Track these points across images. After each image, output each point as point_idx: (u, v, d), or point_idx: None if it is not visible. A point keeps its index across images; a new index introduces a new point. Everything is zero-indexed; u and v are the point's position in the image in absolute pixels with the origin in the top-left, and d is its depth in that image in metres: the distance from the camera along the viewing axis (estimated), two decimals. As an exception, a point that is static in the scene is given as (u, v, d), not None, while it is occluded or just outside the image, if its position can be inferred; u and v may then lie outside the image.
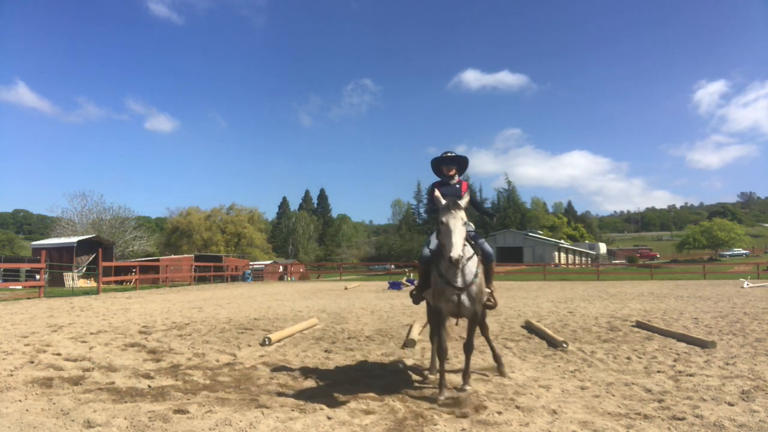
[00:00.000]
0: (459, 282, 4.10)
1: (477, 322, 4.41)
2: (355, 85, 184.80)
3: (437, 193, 4.19)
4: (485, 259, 4.52)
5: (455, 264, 3.75)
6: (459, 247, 3.76)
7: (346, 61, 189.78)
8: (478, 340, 7.15)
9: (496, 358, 5.19)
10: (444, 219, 3.90)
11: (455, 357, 5.97)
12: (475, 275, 4.17)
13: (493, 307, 4.75)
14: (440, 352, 4.30)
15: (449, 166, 4.89)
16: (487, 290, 4.57)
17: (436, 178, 5.02)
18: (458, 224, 3.85)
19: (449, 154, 4.89)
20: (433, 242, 4.55)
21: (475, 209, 5.09)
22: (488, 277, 4.61)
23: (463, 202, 4.03)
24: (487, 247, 4.69)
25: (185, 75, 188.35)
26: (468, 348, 4.39)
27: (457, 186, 4.85)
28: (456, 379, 4.73)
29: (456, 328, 7.38)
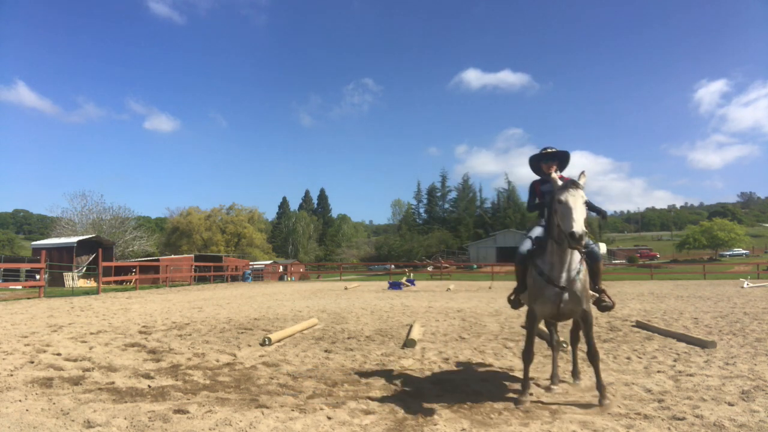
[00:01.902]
0: (563, 279, 3.81)
1: (591, 321, 4.00)
2: (355, 85, 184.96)
3: (555, 174, 3.91)
4: (591, 258, 4.19)
5: (578, 241, 3.40)
6: (581, 223, 3.45)
7: (346, 61, 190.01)
8: (479, 340, 7.17)
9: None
10: (562, 197, 3.60)
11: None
12: (578, 271, 3.86)
13: (610, 307, 4.37)
14: (528, 355, 4.12)
15: (549, 163, 4.59)
16: (598, 290, 4.32)
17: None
18: (579, 202, 3.57)
19: (549, 150, 4.60)
20: (528, 241, 4.32)
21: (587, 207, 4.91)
22: (596, 275, 4.30)
23: (582, 181, 3.74)
24: (592, 243, 4.31)
25: (186, 75, 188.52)
26: (593, 355, 3.99)
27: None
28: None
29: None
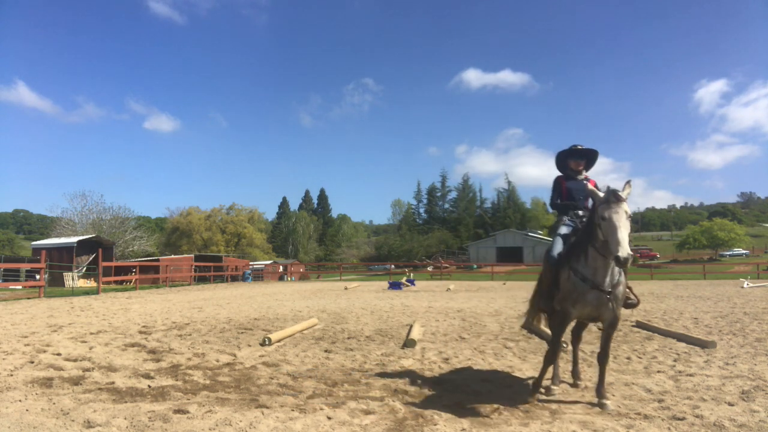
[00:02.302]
0: (606, 283, 3.73)
1: (617, 326, 4.00)
2: (356, 85, 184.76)
3: (590, 186, 3.79)
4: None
5: (624, 264, 3.35)
6: (627, 244, 3.37)
7: (346, 61, 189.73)
8: (479, 340, 7.17)
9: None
10: (606, 214, 3.49)
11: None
12: (620, 273, 3.81)
13: (635, 304, 4.30)
14: (553, 356, 4.05)
15: (578, 161, 4.54)
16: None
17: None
18: (623, 218, 3.46)
19: (579, 147, 4.52)
20: (559, 241, 4.24)
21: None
22: (624, 272, 4.16)
23: (625, 193, 3.61)
24: None
25: (186, 74, 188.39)
26: (603, 357, 3.97)
27: (585, 182, 4.50)
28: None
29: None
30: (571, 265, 3.89)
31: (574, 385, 4.60)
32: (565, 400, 4.16)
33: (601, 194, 3.64)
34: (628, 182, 3.71)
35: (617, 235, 3.39)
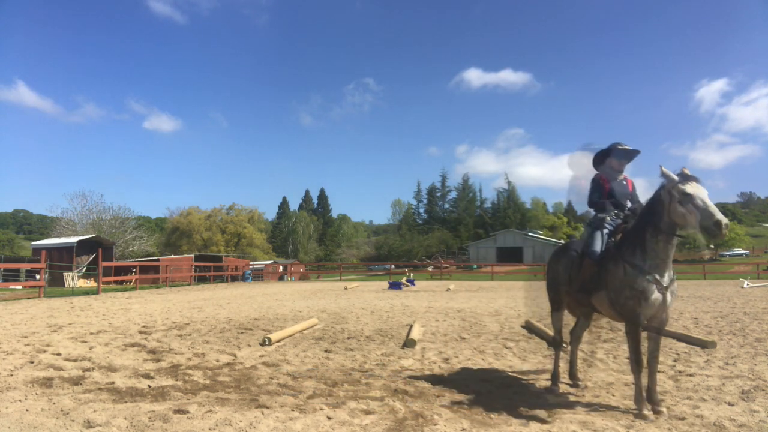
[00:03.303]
0: (666, 278, 3.65)
1: (666, 325, 3.87)
2: (356, 85, 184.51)
3: (665, 169, 3.66)
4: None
5: (722, 231, 3.30)
6: (720, 212, 3.32)
7: (347, 61, 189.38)
8: (479, 340, 7.17)
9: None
10: (687, 188, 3.47)
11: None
12: (673, 269, 3.73)
13: None
14: (639, 366, 3.75)
15: (622, 161, 4.43)
16: None
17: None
18: (705, 193, 3.46)
19: (623, 146, 4.39)
20: (604, 237, 4.14)
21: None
22: None
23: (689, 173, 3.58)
24: None
25: (186, 74, 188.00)
26: (655, 360, 3.82)
27: (624, 183, 4.45)
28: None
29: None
30: (625, 259, 3.76)
31: (574, 386, 4.59)
32: (565, 400, 4.16)
33: (674, 176, 3.60)
34: (684, 168, 3.69)
35: (708, 204, 3.39)
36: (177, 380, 4.72)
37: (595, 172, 4.59)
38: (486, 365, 5.53)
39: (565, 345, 6.46)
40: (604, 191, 4.42)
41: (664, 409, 3.69)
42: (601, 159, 4.54)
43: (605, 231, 4.19)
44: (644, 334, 3.85)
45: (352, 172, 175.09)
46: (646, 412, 3.63)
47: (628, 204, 4.44)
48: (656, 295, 3.63)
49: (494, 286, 24.08)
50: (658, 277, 3.65)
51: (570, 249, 4.54)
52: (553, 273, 4.67)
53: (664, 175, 3.68)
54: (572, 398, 4.21)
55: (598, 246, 4.10)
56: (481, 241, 78.12)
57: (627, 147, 4.40)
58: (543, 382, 4.78)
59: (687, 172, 3.62)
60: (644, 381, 3.77)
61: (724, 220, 3.33)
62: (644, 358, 3.81)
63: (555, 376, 4.58)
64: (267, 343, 6.65)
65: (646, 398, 3.76)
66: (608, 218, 4.30)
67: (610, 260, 3.90)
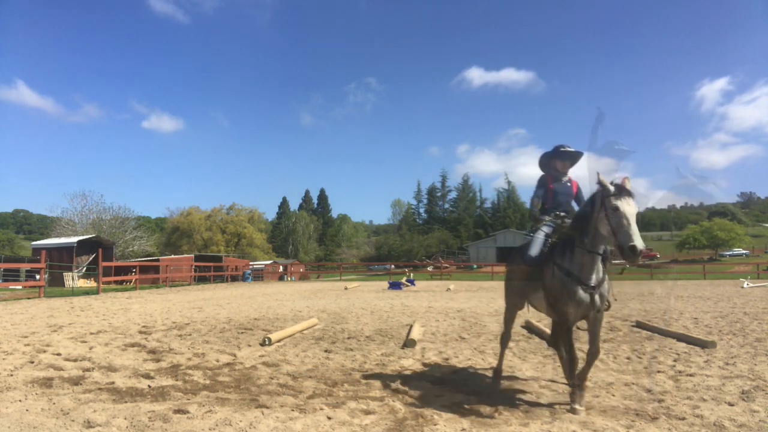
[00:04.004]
0: (593, 280, 3.75)
1: (601, 323, 3.98)
2: (358, 84, 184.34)
3: (602, 177, 3.68)
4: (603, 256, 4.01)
5: (638, 256, 3.30)
6: (639, 237, 3.32)
7: (349, 60, 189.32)
8: (479, 340, 7.17)
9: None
10: (617, 203, 3.47)
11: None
12: (605, 271, 3.83)
13: (607, 308, 4.28)
14: (572, 363, 3.93)
15: (564, 162, 4.54)
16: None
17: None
18: (634, 211, 3.45)
19: (565, 149, 4.51)
20: (542, 240, 4.24)
21: None
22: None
23: (629, 186, 3.59)
24: None
25: (187, 74, 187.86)
26: (593, 357, 3.93)
27: (568, 184, 4.55)
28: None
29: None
30: (555, 262, 3.89)
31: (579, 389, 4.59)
32: (565, 400, 4.15)
33: (611, 187, 3.58)
34: (626, 177, 3.68)
35: (632, 225, 3.38)
36: (177, 380, 4.72)
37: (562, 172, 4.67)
38: (486, 365, 5.53)
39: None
40: (548, 192, 4.54)
41: (581, 401, 3.84)
42: (546, 161, 4.64)
43: (544, 233, 4.31)
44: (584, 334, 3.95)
45: (352, 172, 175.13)
46: (577, 406, 3.77)
47: (574, 205, 4.55)
48: (582, 296, 3.74)
49: (494, 286, 24.08)
50: (585, 279, 3.74)
51: (518, 252, 4.68)
52: (508, 275, 4.88)
53: (600, 183, 3.71)
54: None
55: (534, 249, 4.21)
56: (481, 241, 78.11)
57: (570, 149, 4.51)
58: (543, 381, 4.78)
59: (627, 185, 3.62)
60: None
61: (640, 246, 3.31)
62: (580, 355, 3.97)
63: (498, 372, 4.82)
64: (267, 343, 6.65)
65: (575, 390, 3.90)
66: (548, 219, 4.42)
67: (545, 262, 4.05)
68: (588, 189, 4.31)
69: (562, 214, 4.42)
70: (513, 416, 3.69)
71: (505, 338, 4.98)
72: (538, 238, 4.27)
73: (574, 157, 4.57)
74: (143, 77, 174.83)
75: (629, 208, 3.46)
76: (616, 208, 3.47)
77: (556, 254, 3.93)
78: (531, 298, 4.37)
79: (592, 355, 3.93)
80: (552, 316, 4.18)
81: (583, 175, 4.69)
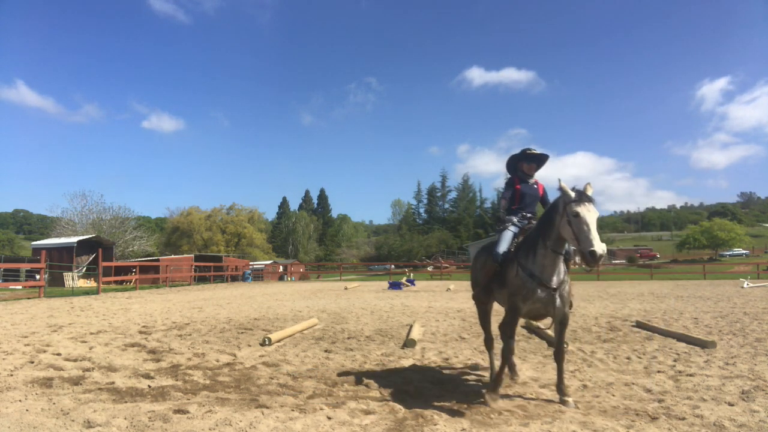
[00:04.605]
0: (554, 281, 3.86)
1: (567, 324, 4.10)
2: (358, 84, 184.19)
3: (563, 184, 3.80)
4: (565, 257, 4.12)
5: (597, 260, 3.39)
6: (599, 241, 3.43)
7: (349, 60, 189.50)
8: (479, 340, 7.16)
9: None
10: (578, 209, 3.56)
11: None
12: (566, 273, 3.95)
13: (569, 307, 4.40)
14: (509, 354, 4.10)
15: (530, 164, 4.63)
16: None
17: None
18: (594, 217, 3.56)
19: (531, 151, 4.61)
20: (509, 239, 4.35)
21: None
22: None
23: (591, 192, 3.70)
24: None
25: (188, 74, 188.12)
26: (560, 355, 4.06)
27: (535, 186, 4.65)
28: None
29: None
30: (519, 261, 4.01)
31: (512, 380, 4.72)
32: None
33: (572, 193, 3.70)
34: (589, 183, 3.80)
35: (591, 231, 3.49)
36: (177, 380, 4.71)
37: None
38: (486, 365, 5.53)
39: (566, 345, 6.47)
40: (515, 194, 4.63)
41: (570, 399, 3.95)
42: (513, 163, 4.73)
43: (511, 232, 4.41)
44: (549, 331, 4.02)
45: (352, 172, 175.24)
46: (489, 398, 3.93)
47: (539, 206, 4.65)
48: (541, 296, 3.88)
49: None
50: (546, 280, 3.85)
51: (485, 249, 4.74)
52: (474, 272, 4.91)
53: (561, 189, 3.81)
54: (573, 398, 4.20)
55: (501, 247, 4.32)
56: (481, 241, 78.06)
57: (535, 151, 4.62)
58: (543, 381, 4.77)
59: (588, 190, 3.72)
60: (553, 374, 4.17)
61: (600, 251, 3.40)
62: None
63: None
64: (267, 343, 6.65)
65: (557, 389, 4.07)
66: (514, 219, 4.51)
67: (509, 261, 4.18)
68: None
69: (529, 215, 4.55)
70: (513, 416, 3.69)
71: (487, 341, 4.97)
72: (505, 236, 4.41)
73: (540, 160, 4.69)
74: (143, 77, 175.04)
75: (589, 214, 3.56)
76: (577, 215, 3.57)
77: (520, 254, 4.06)
78: (496, 295, 4.50)
79: (560, 356, 4.06)
80: (506, 310, 4.31)
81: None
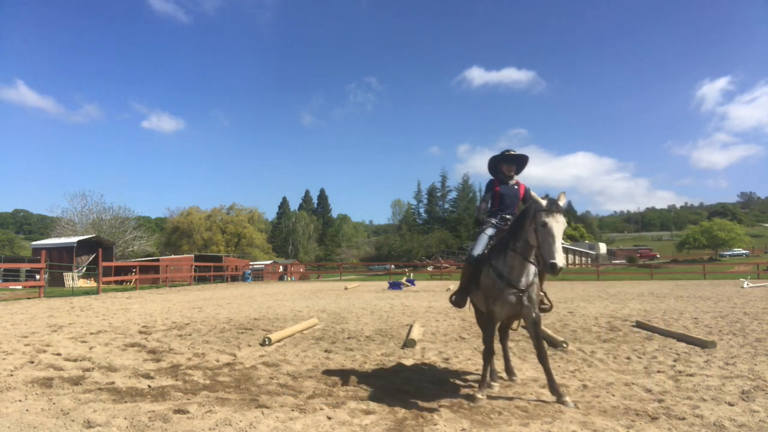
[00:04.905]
0: (522, 283, 3.92)
1: (539, 324, 4.16)
2: (358, 84, 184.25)
3: (532, 193, 3.90)
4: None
5: (557, 272, 3.49)
6: (561, 253, 3.52)
7: (350, 60, 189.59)
8: (479, 340, 7.16)
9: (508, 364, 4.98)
10: (546, 219, 3.63)
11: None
12: (535, 274, 4.02)
13: (548, 309, 4.55)
14: (489, 355, 4.20)
15: (510, 165, 4.68)
16: (541, 293, 4.38)
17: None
18: (561, 229, 3.64)
19: (510, 153, 4.66)
20: (485, 241, 4.40)
21: None
22: (541, 278, 4.38)
23: (563, 203, 3.77)
24: None
25: (188, 74, 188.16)
26: (543, 356, 4.08)
27: (515, 187, 4.68)
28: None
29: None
30: (491, 262, 4.11)
31: (510, 381, 4.74)
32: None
33: (543, 201, 3.77)
34: (563, 193, 3.87)
35: (555, 243, 3.56)
36: (177, 380, 4.71)
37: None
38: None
39: (566, 345, 6.49)
40: (494, 195, 4.69)
41: (568, 399, 3.97)
42: (494, 164, 4.78)
43: (487, 235, 4.47)
44: (524, 332, 4.16)
45: (352, 172, 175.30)
46: (479, 395, 4.01)
47: (518, 208, 4.69)
48: (511, 298, 3.96)
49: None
50: (514, 281, 3.94)
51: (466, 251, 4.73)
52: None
53: (531, 198, 3.90)
54: (572, 398, 4.21)
55: (477, 249, 4.40)
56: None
57: (515, 152, 4.67)
58: (543, 381, 4.77)
59: (560, 200, 3.79)
60: (541, 374, 4.32)
61: (560, 264, 3.48)
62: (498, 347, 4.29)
63: (492, 372, 4.71)
64: (267, 343, 6.65)
65: (550, 391, 4.09)
66: (493, 221, 4.57)
67: (483, 262, 4.26)
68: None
69: (508, 216, 4.58)
70: (513, 416, 3.69)
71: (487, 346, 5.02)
72: (481, 238, 4.47)
73: (520, 161, 4.74)
74: (143, 77, 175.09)
75: (556, 225, 3.63)
76: (545, 224, 3.64)
77: (493, 255, 4.15)
78: (472, 295, 4.57)
79: (542, 355, 4.09)
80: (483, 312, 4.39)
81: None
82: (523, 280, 3.93)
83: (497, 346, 4.91)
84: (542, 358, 4.09)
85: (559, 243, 3.56)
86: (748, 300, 13.66)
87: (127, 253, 46.30)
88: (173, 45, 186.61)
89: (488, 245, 4.37)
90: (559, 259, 3.48)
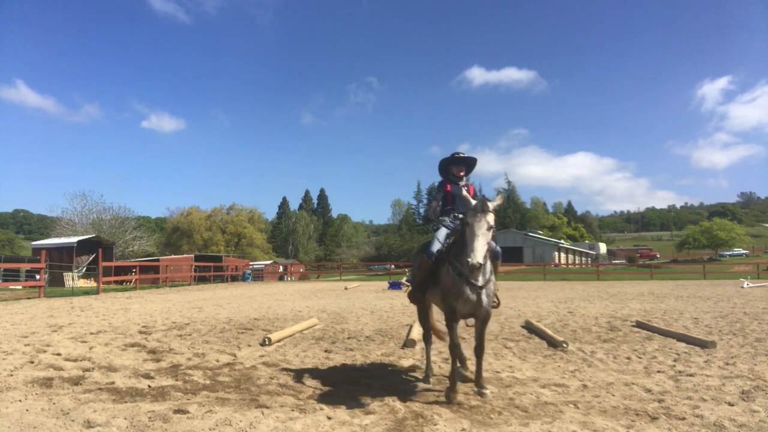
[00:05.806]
0: (480, 280, 4.01)
1: (488, 321, 4.27)
2: (359, 84, 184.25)
3: (464, 192, 4.06)
4: (492, 257, 4.29)
5: (476, 270, 3.67)
6: (482, 253, 3.68)
7: (350, 60, 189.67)
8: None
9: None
10: (470, 220, 3.80)
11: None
12: (491, 272, 4.13)
13: (496, 306, 4.62)
14: (455, 349, 4.21)
15: (459, 167, 4.84)
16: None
17: (441, 179, 5.00)
18: (484, 228, 3.77)
19: (459, 155, 4.82)
20: (442, 238, 4.49)
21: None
22: (494, 274, 4.43)
23: (494, 204, 3.92)
24: (494, 244, 4.39)
25: (189, 74, 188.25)
26: (480, 350, 4.20)
27: (464, 188, 4.78)
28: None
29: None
30: (450, 260, 4.16)
31: (463, 370, 4.80)
32: (565, 400, 4.15)
33: (474, 202, 3.90)
34: (500, 194, 3.97)
35: (474, 242, 3.70)
36: (177, 380, 4.71)
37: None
38: (486, 365, 5.52)
39: (566, 345, 6.48)
40: (446, 195, 4.82)
41: (487, 391, 4.13)
42: (444, 166, 4.93)
43: (445, 231, 4.57)
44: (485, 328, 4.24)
45: (352, 172, 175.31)
46: (453, 395, 4.03)
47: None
48: (469, 294, 4.01)
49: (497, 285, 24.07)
50: (473, 278, 3.98)
51: (422, 249, 4.87)
52: (414, 271, 5.02)
53: (463, 198, 4.08)
54: (572, 398, 4.21)
55: (434, 246, 4.47)
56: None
57: (463, 155, 4.82)
58: (543, 381, 4.77)
59: (496, 203, 3.96)
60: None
61: (475, 262, 3.62)
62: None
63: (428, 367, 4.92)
64: (267, 343, 6.65)
65: (474, 383, 4.23)
66: (447, 220, 4.69)
67: (441, 260, 4.33)
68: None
69: (460, 216, 4.63)
70: (513, 416, 3.69)
71: (425, 337, 5.15)
72: (439, 234, 4.55)
73: (469, 163, 4.89)
74: (143, 77, 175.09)
75: (479, 224, 3.76)
76: (468, 224, 3.81)
77: (452, 253, 4.20)
78: (430, 293, 4.62)
79: (479, 351, 4.19)
80: (444, 310, 4.43)
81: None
82: (481, 277, 4.02)
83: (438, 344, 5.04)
84: (479, 353, 4.20)
85: (479, 242, 3.69)
86: (748, 300, 13.66)
87: (127, 253, 46.29)
88: (173, 45, 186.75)
89: (445, 243, 4.45)
90: (474, 258, 3.61)
